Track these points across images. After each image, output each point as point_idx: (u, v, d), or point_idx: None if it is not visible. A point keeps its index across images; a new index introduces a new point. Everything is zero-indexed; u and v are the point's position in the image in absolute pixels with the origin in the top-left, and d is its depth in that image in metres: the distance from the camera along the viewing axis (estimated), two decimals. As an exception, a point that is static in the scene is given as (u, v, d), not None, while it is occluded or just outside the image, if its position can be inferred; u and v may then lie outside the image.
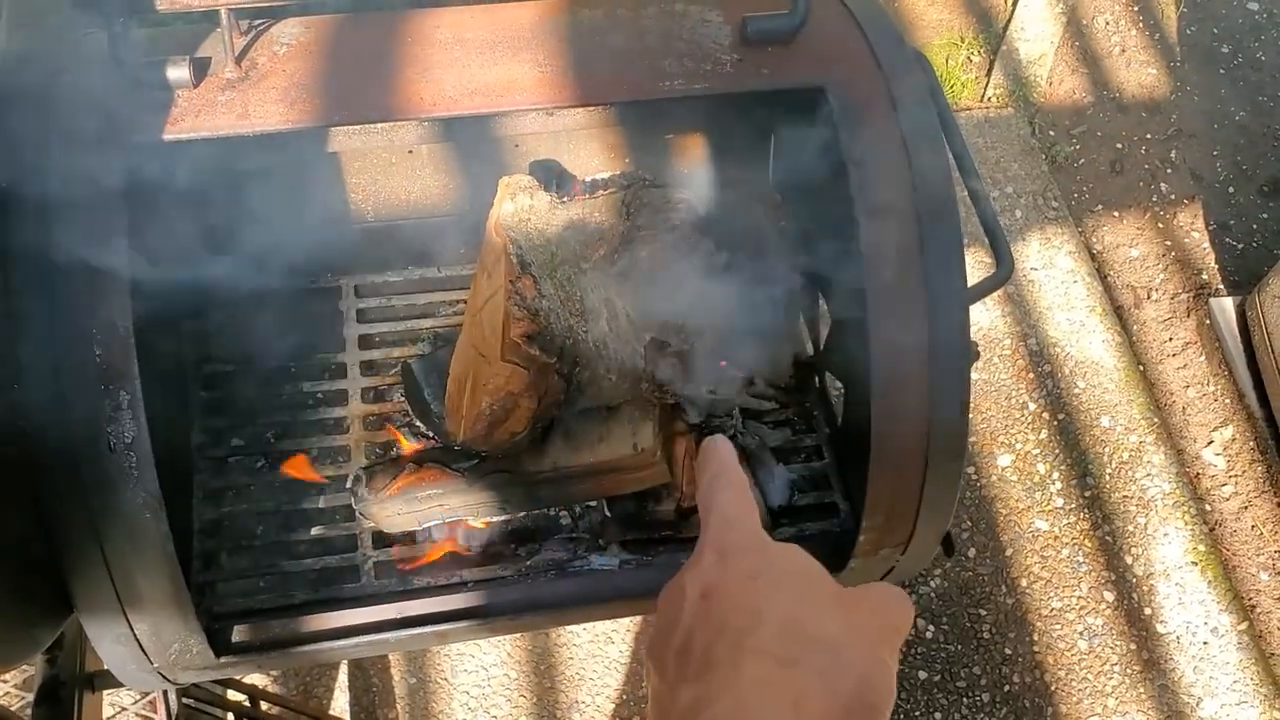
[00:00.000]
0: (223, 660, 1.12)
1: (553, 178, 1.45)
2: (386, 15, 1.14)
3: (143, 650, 1.07)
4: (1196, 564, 2.58)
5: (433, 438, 1.42)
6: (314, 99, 1.03)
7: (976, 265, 2.83)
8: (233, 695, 1.91)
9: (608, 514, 1.38)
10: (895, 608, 0.62)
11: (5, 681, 1.94)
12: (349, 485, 1.37)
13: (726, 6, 1.17)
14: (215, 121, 1.01)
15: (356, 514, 1.35)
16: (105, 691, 1.51)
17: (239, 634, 1.19)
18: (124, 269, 0.96)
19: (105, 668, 1.40)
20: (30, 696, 1.90)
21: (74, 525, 0.97)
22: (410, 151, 1.48)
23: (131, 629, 1.04)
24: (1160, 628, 2.51)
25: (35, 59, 1.04)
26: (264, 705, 1.93)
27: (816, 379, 1.52)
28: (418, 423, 1.44)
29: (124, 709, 2.07)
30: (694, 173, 1.48)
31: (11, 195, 0.96)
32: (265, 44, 1.09)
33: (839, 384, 1.46)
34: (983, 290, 1.13)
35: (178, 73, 1.01)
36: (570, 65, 1.08)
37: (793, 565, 0.63)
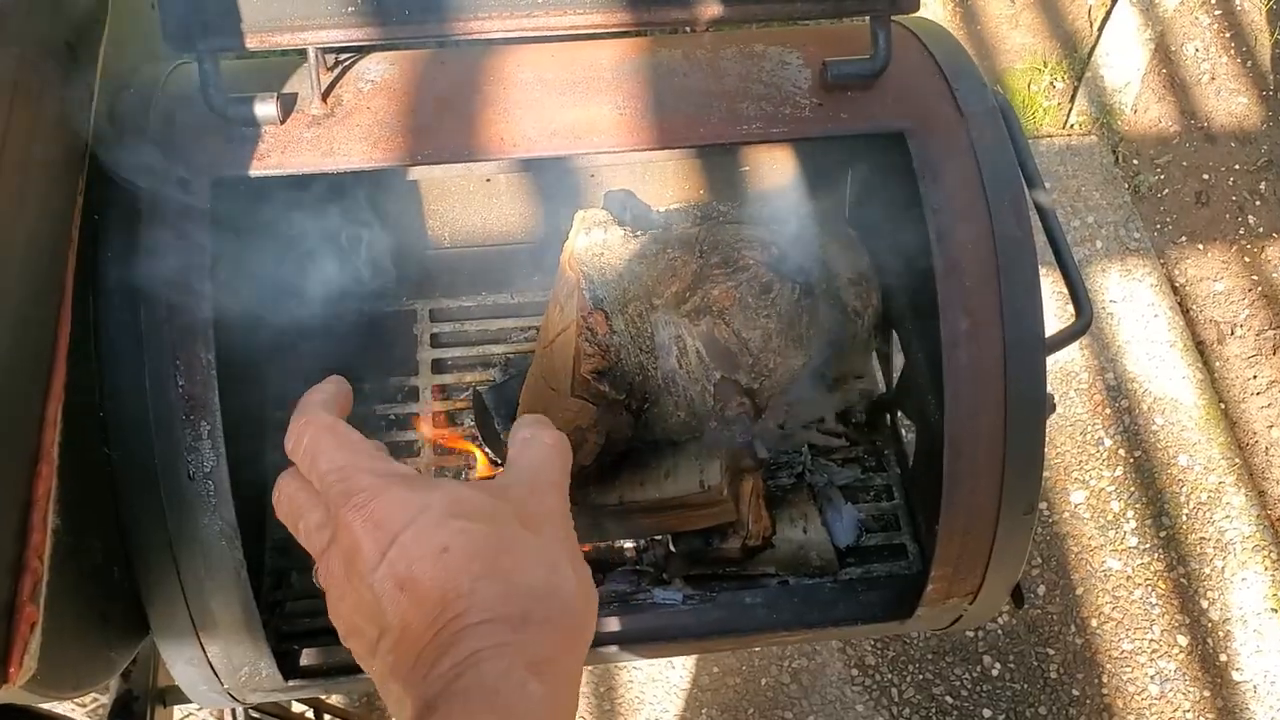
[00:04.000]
0: (291, 683, 1.14)
1: (627, 209, 1.45)
2: (469, 52, 1.15)
3: (214, 672, 1.09)
4: (1277, 611, 2.50)
5: (501, 464, 1.43)
6: (397, 138, 1.05)
7: (1050, 298, 2.78)
8: (296, 706, 1.94)
9: (672, 549, 1.38)
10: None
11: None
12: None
13: (805, 47, 1.17)
14: (300, 159, 1.03)
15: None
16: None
17: (307, 657, 1.21)
18: (208, 301, 0.98)
19: (176, 684, 1.43)
20: (87, 709, 1.96)
21: (152, 551, 0.99)
22: (488, 180, 1.50)
23: (204, 652, 1.06)
24: (1236, 675, 2.44)
25: (127, 91, 1.07)
26: (327, 718, 1.96)
27: (888, 417, 1.50)
28: (487, 449, 1.45)
29: (190, 713, 2.12)
30: (769, 207, 1.47)
31: (100, 226, 0.98)
32: (350, 80, 1.10)
33: (910, 422, 1.44)
34: (1060, 341, 1.11)
35: (265, 109, 1.03)
36: (649, 107, 1.08)
37: (429, 480, 0.64)
